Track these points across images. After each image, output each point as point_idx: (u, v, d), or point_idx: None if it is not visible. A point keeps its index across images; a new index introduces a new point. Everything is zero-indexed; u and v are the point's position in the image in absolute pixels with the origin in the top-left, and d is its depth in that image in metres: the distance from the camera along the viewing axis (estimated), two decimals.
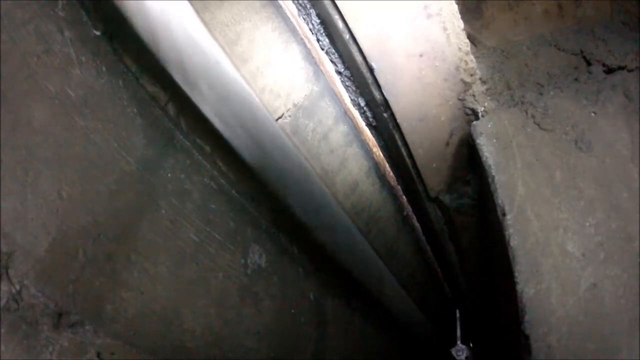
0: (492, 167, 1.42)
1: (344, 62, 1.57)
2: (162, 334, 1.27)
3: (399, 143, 1.70)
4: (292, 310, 1.87)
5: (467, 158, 1.71)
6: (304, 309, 1.96)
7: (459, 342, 3.56)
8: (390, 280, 2.31)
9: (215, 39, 1.32)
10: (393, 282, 2.35)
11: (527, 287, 1.23)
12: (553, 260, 1.25)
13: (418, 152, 1.70)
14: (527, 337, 1.19)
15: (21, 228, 0.95)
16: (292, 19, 1.53)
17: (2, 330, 0.89)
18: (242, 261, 1.60)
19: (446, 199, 1.89)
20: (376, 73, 1.47)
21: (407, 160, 1.77)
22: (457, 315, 3.51)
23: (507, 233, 1.32)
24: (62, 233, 1.03)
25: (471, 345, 3.57)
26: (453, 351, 3.53)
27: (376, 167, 2.05)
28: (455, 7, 1.41)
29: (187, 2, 1.15)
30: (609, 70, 1.52)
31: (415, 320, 2.78)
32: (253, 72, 1.45)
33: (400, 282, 2.45)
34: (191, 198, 1.40)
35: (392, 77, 1.49)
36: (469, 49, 1.49)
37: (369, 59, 1.44)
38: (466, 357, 3.53)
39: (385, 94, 1.52)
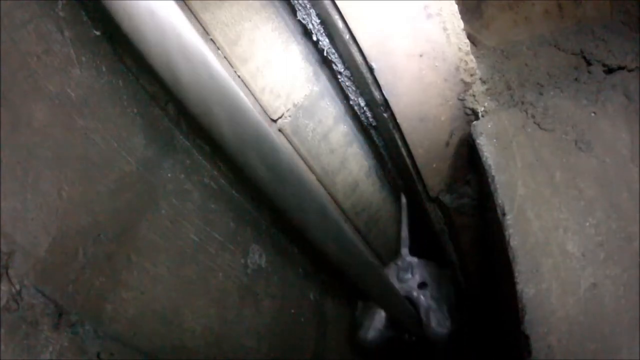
0: (492, 167, 1.42)
1: (344, 62, 1.57)
2: (162, 334, 1.27)
3: (399, 143, 1.70)
4: (292, 310, 1.87)
5: (467, 158, 1.71)
6: (304, 309, 1.97)
7: (404, 250, 2.13)
8: (388, 282, 2.31)
9: (215, 39, 1.32)
10: (391, 284, 2.34)
11: (527, 287, 1.23)
12: (553, 260, 1.25)
13: (418, 152, 1.70)
14: (527, 337, 1.18)
15: (21, 228, 0.96)
16: (292, 19, 1.53)
17: (2, 330, 0.89)
18: (242, 261, 1.60)
19: (446, 199, 1.89)
20: (376, 73, 1.46)
21: (407, 160, 1.76)
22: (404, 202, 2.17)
23: (507, 233, 1.32)
24: (62, 233, 1.03)
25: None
26: (394, 268, 2.13)
27: (376, 167, 2.05)
28: (455, 7, 1.40)
29: (173, 2, 1.14)
30: (609, 70, 1.52)
31: (414, 320, 2.78)
32: (253, 72, 1.45)
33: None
34: (191, 198, 1.40)
35: (392, 77, 1.49)
36: (469, 49, 1.49)
37: (369, 59, 1.44)
38: (421, 283, 2.12)
39: (385, 94, 1.51)
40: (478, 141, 1.48)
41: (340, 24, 1.39)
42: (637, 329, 1.13)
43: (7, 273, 0.92)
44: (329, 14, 1.38)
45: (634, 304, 1.16)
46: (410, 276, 2.17)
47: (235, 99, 1.31)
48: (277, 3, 1.49)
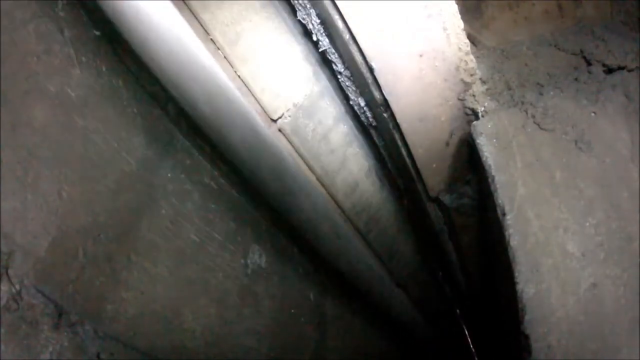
0: (492, 167, 1.42)
1: (344, 62, 1.57)
2: (162, 334, 1.27)
3: (399, 143, 1.70)
4: (292, 310, 1.87)
5: (467, 158, 1.71)
6: (304, 309, 1.96)
7: None
8: (389, 283, 2.31)
9: (215, 39, 1.32)
10: (392, 285, 2.35)
11: (527, 287, 1.23)
12: (553, 260, 1.25)
13: (418, 152, 1.70)
14: (527, 337, 1.18)
15: (21, 228, 0.95)
16: (292, 19, 1.53)
17: (2, 330, 0.89)
18: (242, 261, 1.60)
19: (446, 199, 1.89)
20: (376, 73, 1.46)
21: (407, 160, 1.76)
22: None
23: (507, 233, 1.32)
24: (62, 233, 1.03)
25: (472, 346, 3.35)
26: None
27: (376, 167, 2.05)
28: (455, 7, 1.40)
29: (169, 2, 1.13)
30: (609, 70, 1.52)
31: (415, 321, 2.78)
32: (253, 72, 1.45)
33: (400, 283, 2.45)
34: (191, 198, 1.40)
35: (392, 77, 1.49)
36: (469, 49, 1.49)
37: (369, 59, 1.44)
38: None
39: (385, 94, 1.51)
40: (478, 141, 1.48)
41: (340, 24, 1.39)
42: (637, 329, 1.13)
43: (7, 273, 0.92)
44: (329, 14, 1.38)
45: (634, 304, 1.16)
46: None
47: (234, 100, 1.31)
48: (277, 3, 1.49)
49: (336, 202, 1.87)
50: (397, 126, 1.63)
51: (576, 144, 1.38)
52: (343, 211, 1.91)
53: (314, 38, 1.51)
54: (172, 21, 1.14)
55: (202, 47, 1.21)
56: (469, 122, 1.59)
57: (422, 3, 1.37)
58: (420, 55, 1.46)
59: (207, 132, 1.34)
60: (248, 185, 1.61)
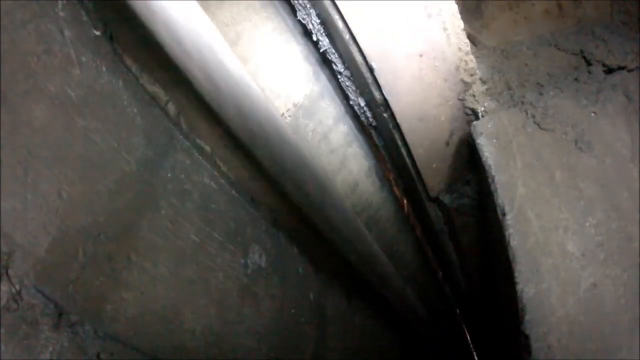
0: (492, 167, 1.42)
1: (344, 62, 1.57)
2: (162, 334, 1.27)
3: (399, 143, 1.70)
4: (292, 310, 1.87)
5: (467, 158, 1.71)
6: (304, 309, 1.96)
7: None
8: (393, 276, 2.31)
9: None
10: (396, 278, 2.34)
11: (527, 287, 1.23)
12: (553, 260, 1.25)
13: (418, 152, 1.70)
14: (527, 337, 1.19)
15: (21, 228, 0.95)
16: (292, 19, 1.53)
17: (2, 330, 0.89)
18: (242, 261, 1.60)
19: (446, 199, 1.89)
20: (376, 73, 1.47)
21: (407, 160, 1.77)
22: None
23: (507, 233, 1.32)
24: (62, 233, 1.03)
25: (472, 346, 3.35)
26: None
27: (376, 167, 2.05)
28: (455, 7, 1.40)
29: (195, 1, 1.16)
30: (609, 70, 1.52)
31: (417, 318, 2.78)
32: (253, 72, 1.45)
33: None
34: (191, 198, 1.40)
35: (392, 77, 1.49)
36: (469, 49, 1.49)
37: (369, 59, 1.44)
38: None
39: (385, 94, 1.52)
40: (478, 141, 1.48)
41: (340, 24, 1.39)
42: (637, 329, 1.13)
43: (7, 273, 0.92)
44: (329, 14, 1.38)
45: (634, 304, 1.16)
46: None
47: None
48: (277, 3, 1.49)
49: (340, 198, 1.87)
50: (397, 126, 1.63)
51: (576, 144, 1.38)
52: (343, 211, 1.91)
53: (314, 38, 1.51)
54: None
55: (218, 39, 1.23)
56: (469, 122, 1.59)
57: (422, 3, 1.37)
58: (420, 55, 1.46)
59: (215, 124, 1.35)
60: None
